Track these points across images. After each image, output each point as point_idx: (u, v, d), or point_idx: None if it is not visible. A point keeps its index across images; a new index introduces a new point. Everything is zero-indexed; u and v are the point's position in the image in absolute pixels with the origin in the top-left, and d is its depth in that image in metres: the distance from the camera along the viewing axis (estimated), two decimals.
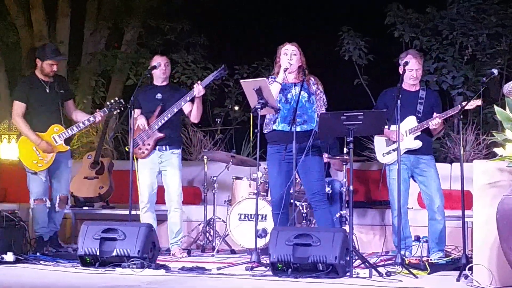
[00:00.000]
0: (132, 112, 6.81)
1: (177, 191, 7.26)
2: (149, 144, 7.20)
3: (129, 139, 7.10)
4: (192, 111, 7.28)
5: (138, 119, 7.20)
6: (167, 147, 7.27)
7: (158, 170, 7.26)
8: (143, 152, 7.21)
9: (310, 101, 6.59)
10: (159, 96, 7.27)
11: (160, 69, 7.28)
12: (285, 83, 6.56)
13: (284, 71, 6.50)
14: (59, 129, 7.34)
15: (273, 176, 6.63)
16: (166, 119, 7.18)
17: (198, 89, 7.09)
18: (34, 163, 7.23)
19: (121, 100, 7.56)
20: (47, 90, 7.36)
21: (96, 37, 12.01)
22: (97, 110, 7.61)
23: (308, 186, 6.66)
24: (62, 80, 7.66)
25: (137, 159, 7.22)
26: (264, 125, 6.65)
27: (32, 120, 7.28)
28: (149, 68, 7.22)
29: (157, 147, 7.23)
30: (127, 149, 7.24)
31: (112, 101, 7.58)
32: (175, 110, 7.18)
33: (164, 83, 7.37)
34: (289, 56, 6.58)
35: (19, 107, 7.29)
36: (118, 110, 7.64)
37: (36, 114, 7.30)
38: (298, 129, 6.42)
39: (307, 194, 6.75)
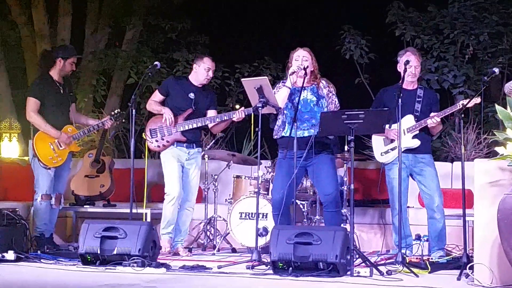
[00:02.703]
0: (133, 111, 6.75)
1: (196, 191, 7.28)
2: (167, 141, 7.15)
3: (145, 132, 7.15)
4: (218, 126, 7.28)
5: (166, 111, 7.12)
6: (194, 144, 7.24)
7: (182, 165, 7.20)
8: (158, 146, 7.18)
9: (319, 104, 6.54)
10: (191, 95, 7.20)
11: (206, 75, 7.22)
12: (294, 87, 6.53)
13: (291, 74, 6.47)
14: (72, 129, 7.49)
15: (277, 179, 6.60)
16: (194, 126, 7.14)
17: (240, 116, 7.04)
18: (50, 159, 7.32)
19: (123, 113, 7.60)
20: (61, 91, 7.47)
21: (97, 36, 12.01)
22: (107, 115, 7.78)
23: (319, 187, 6.63)
24: (69, 83, 7.76)
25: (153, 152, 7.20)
26: (274, 131, 6.64)
27: (47, 119, 7.34)
28: (150, 67, 7.17)
29: (184, 144, 7.17)
30: (143, 136, 7.21)
31: (116, 111, 7.70)
32: (207, 122, 7.16)
33: (200, 85, 7.30)
34: (300, 62, 6.55)
35: (34, 103, 7.33)
36: (119, 122, 7.75)
37: (52, 113, 7.38)
38: (306, 134, 6.42)
39: (319, 196, 6.74)
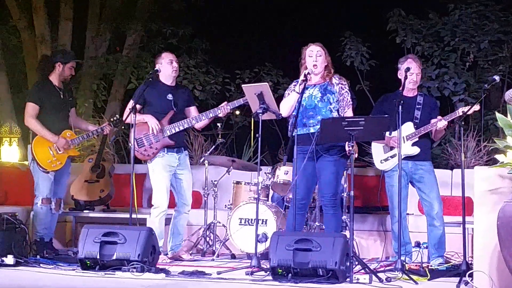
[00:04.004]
0: (134, 115, 6.75)
1: (191, 193, 7.28)
2: (156, 148, 7.04)
3: (129, 139, 7.08)
4: (202, 123, 7.22)
5: (150, 119, 7.03)
6: (182, 149, 7.22)
7: (174, 172, 7.16)
8: (148, 155, 7.07)
9: (324, 100, 6.50)
10: (170, 97, 7.12)
11: (172, 67, 7.14)
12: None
13: (301, 83, 6.43)
14: (71, 134, 7.49)
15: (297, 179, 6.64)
16: (181, 128, 7.08)
17: (225, 111, 7.01)
18: (49, 162, 7.31)
19: (122, 119, 7.55)
20: (61, 96, 7.48)
21: (98, 41, 12.02)
22: (107, 122, 7.78)
23: (319, 188, 6.64)
24: (69, 88, 7.78)
25: (143, 161, 7.17)
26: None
27: (46, 124, 7.34)
28: (150, 73, 7.17)
29: (175, 149, 7.11)
30: (130, 145, 7.13)
31: (116, 117, 7.66)
32: (193, 123, 7.11)
33: (173, 84, 7.25)
34: (314, 57, 6.53)
35: (32, 108, 7.34)
36: (118, 128, 7.75)
37: (51, 118, 7.38)
38: (311, 130, 6.41)
39: (319, 196, 6.76)
